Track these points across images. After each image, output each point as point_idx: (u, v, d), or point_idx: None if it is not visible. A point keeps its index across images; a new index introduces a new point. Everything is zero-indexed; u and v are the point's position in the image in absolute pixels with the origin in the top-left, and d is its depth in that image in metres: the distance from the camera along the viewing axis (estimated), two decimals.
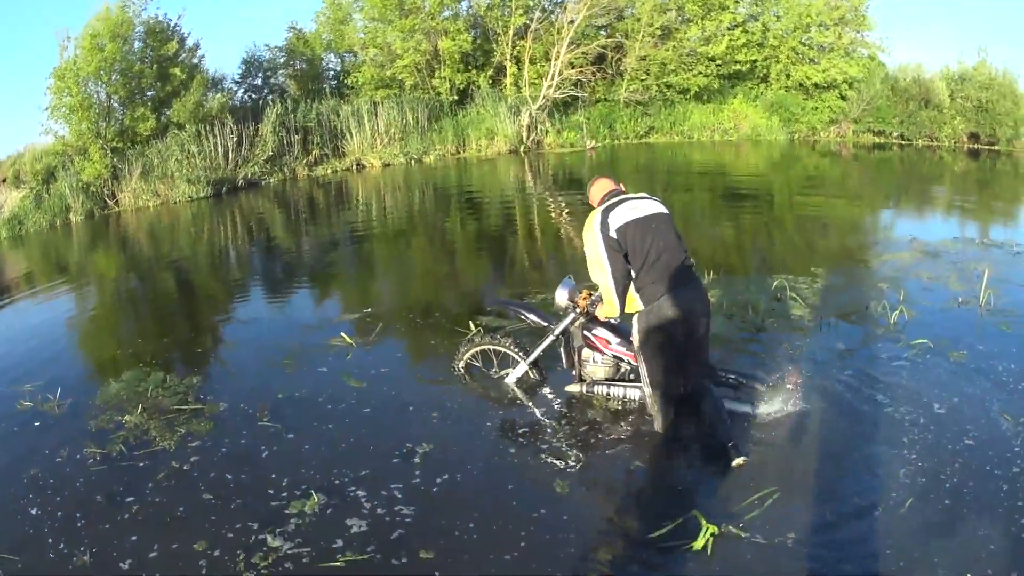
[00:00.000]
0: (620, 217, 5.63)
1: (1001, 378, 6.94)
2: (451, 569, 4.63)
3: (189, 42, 26.52)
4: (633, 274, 5.63)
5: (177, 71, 24.88)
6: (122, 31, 23.52)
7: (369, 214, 18.08)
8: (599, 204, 5.89)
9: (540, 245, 14.15)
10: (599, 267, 5.62)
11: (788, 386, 6.28)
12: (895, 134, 33.90)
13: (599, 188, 6.03)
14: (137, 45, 24.75)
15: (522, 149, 29.23)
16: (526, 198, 18.90)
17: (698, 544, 4.67)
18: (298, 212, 19.27)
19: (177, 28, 26.03)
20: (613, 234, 5.56)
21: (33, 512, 5.43)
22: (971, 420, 6.16)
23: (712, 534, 4.70)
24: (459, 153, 29.07)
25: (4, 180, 25.91)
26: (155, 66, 24.51)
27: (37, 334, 10.43)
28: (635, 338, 5.80)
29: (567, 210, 16.97)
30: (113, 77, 23.48)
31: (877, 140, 34.01)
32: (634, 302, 5.69)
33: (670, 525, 4.88)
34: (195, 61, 26.74)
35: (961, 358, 7.42)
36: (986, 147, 32.00)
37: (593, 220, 5.69)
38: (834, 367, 7.33)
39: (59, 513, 5.39)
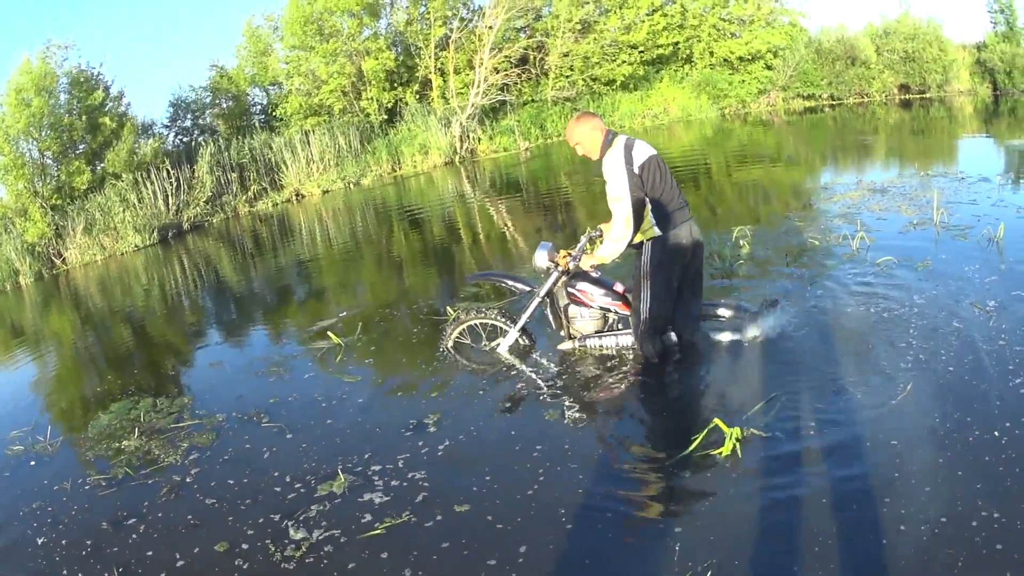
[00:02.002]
0: (641, 153, 5.87)
1: (966, 276, 7.51)
2: (489, 514, 4.70)
3: (114, 90, 26.19)
4: (649, 204, 5.89)
5: (107, 120, 24.50)
6: (46, 84, 23.14)
7: (318, 239, 18.01)
8: (604, 138, 5.96)
9: (489, 242, 14.27)
10: (621, 198, 5.78)
11: (770, 309, 6.58)
12: (825, 96, 34.48)
13: (594, 125, 6.01)
14: (63, 97, 24.35)
15: (457, 159, 29.20)
16: (467, 205, 18.96)
17: (726, 450, 4.86)
18: (245, 248, 19.13)
19: (101, 76, 25.71)
20: (636, 169, 5.79)
21: (41, 542, 5.31)
22: (950, 310, 6.68)
23: (737, 439, 4.89)
24: (395, 171, 28.94)
25: None
26: (84, 117, 24.13)
27: (11, 389, 10.26)
28: (646, 264, 5.99)
29: (508, 210, 17.11)
30: (43, 133, 23.10)
31: (808, 104, 34.59)
32: (650, 229, 5.93)
33: (698, 438, 5.02)
34: (123, 109, 26.41)
35: (926, 266, 7.95)
36: (917, 96, 32.75)
37: (616, 154, 5.83)
38: (810, 290, 7.76)
39: (76, 540, 5.28)
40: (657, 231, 5.93)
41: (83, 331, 13.50)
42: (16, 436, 7.60)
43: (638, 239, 6.00)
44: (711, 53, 34.98)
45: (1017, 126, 21.63)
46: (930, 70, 32.95)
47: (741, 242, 10.01)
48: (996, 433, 4.61)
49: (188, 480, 5.84)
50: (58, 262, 21.94)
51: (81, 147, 24.66)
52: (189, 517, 5.30)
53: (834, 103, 33.58)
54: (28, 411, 8.69)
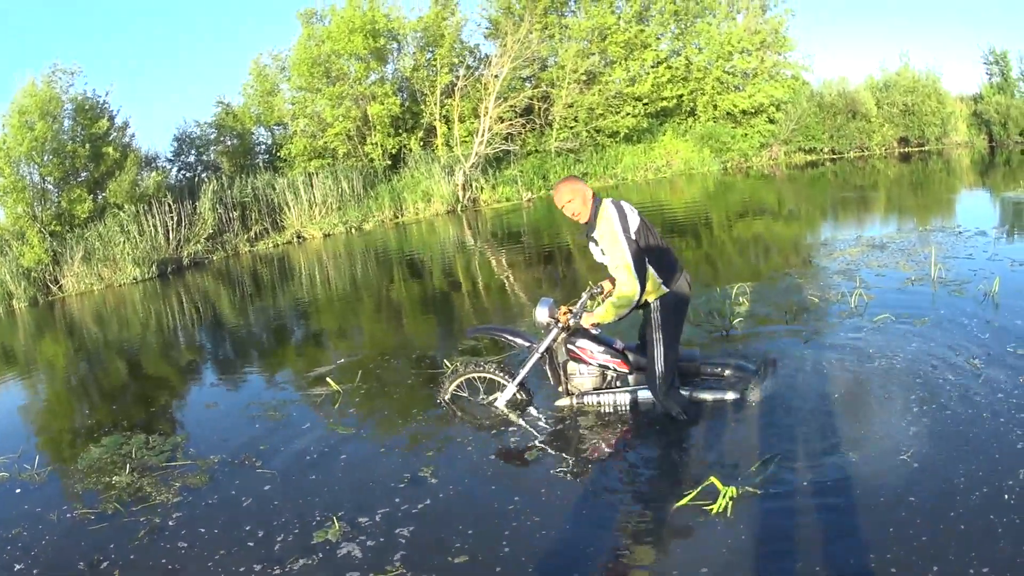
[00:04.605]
0: (633, 219, 6.00)
1: (963, 333, 7.69)
2: (478, 570, 4.68)
3: (119, 120, 26.25)
4: (650, 264, 6.00)
5: (110, 150, 24.50)
6: (51, 109, 23.15)
7: (318, 282, 18.02)
8: (592, 200, 6.08)
9: (489, 293, 14.28)
10: (621, 260, 5.86)
11: (769, 368, 6.60)
12: (826, 150, 34.73)
13: (581, 188, 6.10)
14: (67, 123, 24.37)
15: (459, 208, 29.28)
16: (468, 254, 18.98)
17: (718, 507, 4.85)
18: (245, 288, 19.11)
19: (106, 105, 25.77)
20: (632, 235, 5.92)
21: (16, 568, 5.28)
22: (948, 368, 6.79)
23: (730, 497, 4.88)
24: (397, 218, 29.01)
25: None
26: (87, 145, 24.13)
27: (7, 412, 10.24)
28: (657, 320, 6.10)
29: (508, 261, 17.14)
30: (45, 158, 23.10)
31: (809, 158, 34.87)
32: (657, 288, 6.05)
33: (691, 493, 5.02)
34: (126, 140, 26.45)
35: (924, 323, 8.11)
36: (916, 149, 33.08)
37: (612, 219, 5.91)
38: (809, 348, 7.80)
39: (66, 572, 5.23)
40: (664, 288, 6.06)
41: (76, 361, 13.46)
42: (2, 462, 7.55)
43: (645, 299, 6.09)
44: (715, 106, 35.31)
45: (1012, 177, 21.95)
46: (929, 123, 33.39)
47: (740, 299, 10.08)
48: (1004, 496, 4.62)
49: (171, 523, 5.75)
50: (54, 289, 21.89)
51: (83, 175, 24.66)
52: (166, 562, 5.23)
53: (835, 157, 33.87)
54: (15, 438, 8.65)
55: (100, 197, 24.77)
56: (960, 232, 13.31)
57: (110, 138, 25.35)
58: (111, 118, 25.67)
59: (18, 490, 6.83)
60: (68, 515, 6.13)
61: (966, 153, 30.24)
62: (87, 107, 24.91)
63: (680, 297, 6.18)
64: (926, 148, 32.97)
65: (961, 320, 8.07)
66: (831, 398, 6.49)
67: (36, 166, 23.21)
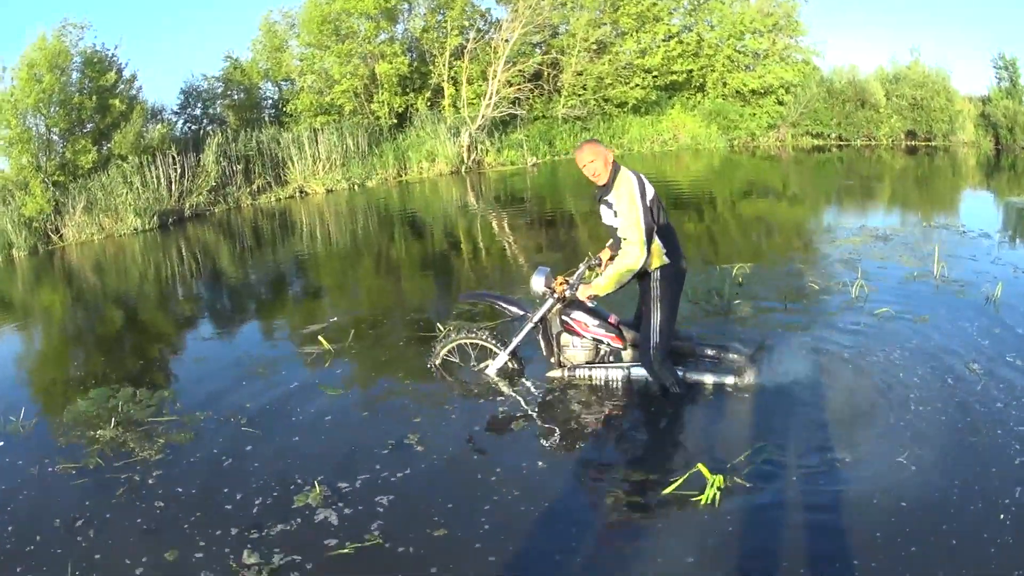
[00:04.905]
0: (648, 189, 6.12)
1: (963, 335, 7.56)
2: (459, 541, 4.67)
3: (127, 73, 26.08)
4: (657, 235, 6.12)
5: (117, 102, 24.35)
6: (60, 62, 23.00)
7: (318, 238, 17.94)
8: (609, 165, 6.15)
9: (488, 256, 14.20)
10: (635, 222, 5.95)
11: (764, 353, 6.62)
12: (833, 136, 34.46)
13: (603, 151, 6.18)
14: (75, 76, 24.23)
15: (463, 169, 29.09)
16: (470, 216, 18.87)
17: (705, 497, 4.78)
18: (245, 241, 19.03)
19: (115, 59, 25.59)
20: (648, 203, 6.04)
21: (9, 530, 5.20)
22: (946, 369, 6.71)
23: (718, 488, 4.81)
24: (401, 176, 28.83)
25: None
26: (94, 97, 23.98)
27: (2, 361, 10.16)
28: (656, 289, 6.18)
29: (510, 225, 17.04)
30: (52, 109, 22.98)
31: (816, 142, 34.57)
32: (659, 256, 6.13)
33: (678, 480, 4.98)
34: (133, 92, 26.29)
35: (924, 321, 8.00)
36: (923, 144, 32.86)
37: (631, 183, 6.05)
38: (806, 336, 7.71)
39: (26, 532, 5.14)
40: (666, 259, 6.14)
41: (72, 311, 13.39)
42: None
43: (645, 269, 6.13)
44: (724, 84, 35.02)
45: (1017, 182, 21.78)
46: (937, 119, 33.12)
47: (740, 279, 10.06)
48: (1000, 515, 4.53)
49: (151, 481, 5.68)
50: (55, 238, 21.80)
51: (89, 126, 24.49)
52: (141, 522, 5.18)
53: (842, 144, 33.62)
54: (3, 388, 8.59)
55: (105, 148, 24.60)
56: (964, 232, 13.15)
57: (117, 90, 25.16)
58: (119, 71, 25.46)
59: (1, 443, 6.75)
60: (49, 469, 6.06)
61: (972, 153, 30.15)
62: (95, 60, 24.73)
63: (680, 269, 6.27)
64: (933, 144, 32.81)
65: (962, 323, 7.94)
66: (827, 390, 6.41)
67: (43, 117, 23.08)
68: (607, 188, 6.13)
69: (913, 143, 33.49)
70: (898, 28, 69.24)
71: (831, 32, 71.84)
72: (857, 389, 6.41)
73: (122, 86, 25.43)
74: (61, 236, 21.84)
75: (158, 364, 9.26)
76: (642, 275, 6.19)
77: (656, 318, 6.19)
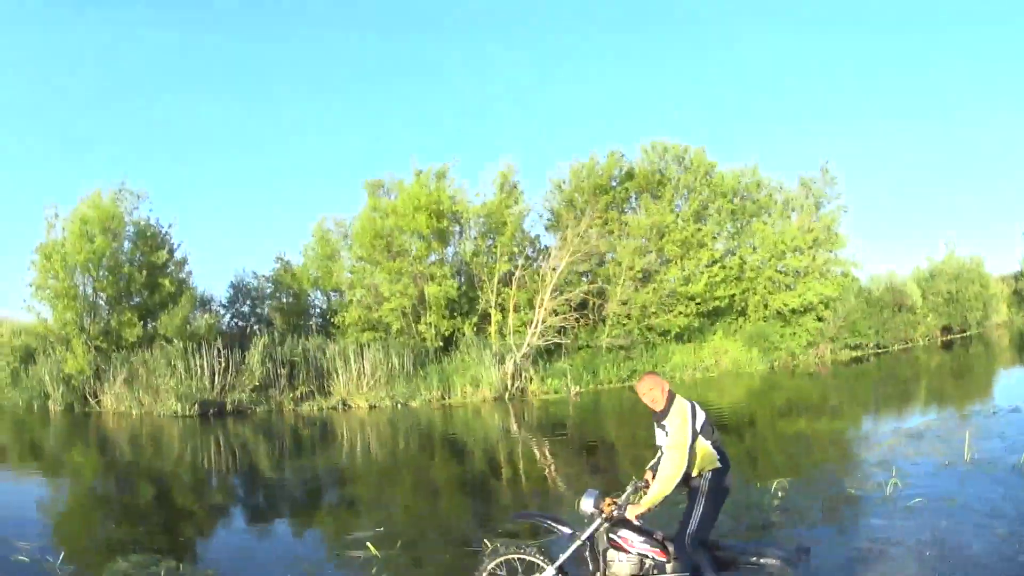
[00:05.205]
0: (700, 414, 6.83)
1: (989, 508, 8.19)
2: None
3: (178, 254, 26.78)
4: (710, 445, 6.82)
5: (167, 283, 24.95)
6: (113, 226, 23.70)
7: (358, 451, 17.91)
8: (666, 393, 6.91)
9: (528, 480, 14.13)
10: (683, 445, 6.59)
11: (802, 556, 6.87)
12: (871, 344, 34.64)
13: (661, 382, 6.98)
14: (127, 245, 24.89)
15: (507, 396, 29.02)
16: (511, 441, 18.83)
17: None
18: (285, 445, 19.01)
19: (168, 237, 26.33)
20: (697, 427, 6.73)
21: None
22: (974, 543, 7.16)
23: None
24: (444, 399, 28.75)
25: None
26: (144, 272, 24.56)
27: (21, 499, 10.20)
28: (706, 486, 6.74)
29: (551, 451, 16.92)
30: (101, 273, 23.49)
31: (854, 354, 34.84)
32: (712, 461, 6.80)
33: None
34: (183, 275, 26.92)
35: (952, 503, 8.53)
36: (958, 336, 33.30)
37: (686, 411, 6.76)
38: (845, 536, 8.06)
39: None
40: (718, 464, 6.79)
41: (105, 475, 13.41)
42: (25, 547, 7.58)
43: (698, 471, 6.74)
44: (765, 305, 35.45)
45: None
46: (971, 308, 33.94)
47: (779, 493, 10.22)
48: None
49: None
50: (92, 402, 21.91)
51: (136, 300, 25.03)
52: None
53: (880, 351, 33.83)
54: (37, 527, 8.75)
55: (150, 325, 25.07)
56: (995, 412, 14.27)
57: (168, 270, 25.88)
58: (171, 251, 26.25)
59: None
60: None
61: (1005, 333, 30.65)
62: (149, 234, 25.55)
63: (728, 478, 6.92)
64: (967, 333, 33.27)
65: (989, 495, 8.53)
66: None
67: (91, 278, 23.62)
68: (663, 414, 6.81)
69: (948, 337, 33.90)
70: (934, 217, 71.62)
71: (869, 235, 73.82)
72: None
73: (172, 267, 26.09)
74: (99, 401, 21.94)
75: (198, 544, 9.26)
76: (690, 480, 6.75)
77: (698, 510, 6.63)
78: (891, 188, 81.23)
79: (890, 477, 9.84)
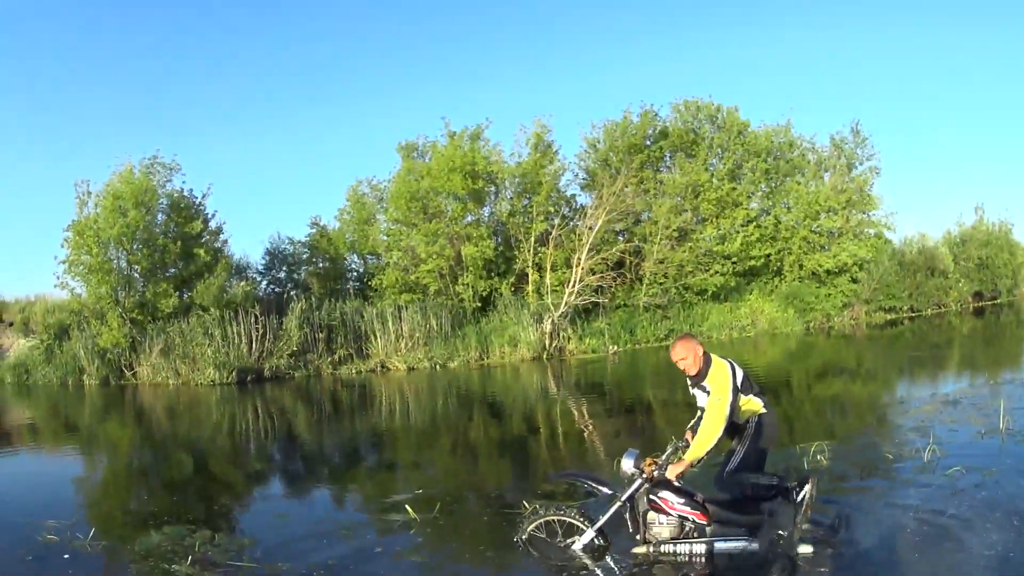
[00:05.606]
0: (739, 371, 6.93)
1: None
2: None
3: (213, 223, 26.87)
4: (753, 393, 6.98)
5: (202, 252, 25.03)
6: (146, 199, 23.78)
7: (397, 414, 18.02)
8: (700, 357, 6.93)
9: (567, 441, 14.09)
10: (726, 402, 6.68)
11: (842, 522, 6.92)
12: (905, 308, 34.58)
13: (696, 346, 6.98)
14: (160, 217, 25.01)
15: (545, 356, 29.09)
16: (549, 402, 18.88)
17: None
18: (324, 409, 19.18)
19: (202, 207, 26.42)
20: (738, 384, 6.83)
21: None
22: (1013, 516, 7.02)
23: None
24: (483, 359, 28.85)
25: (11, 324, 25.94)
26: (179, 243, 24.67)
27: (53, 479, 10.39)
28: (751, 431, 6.88)
29: (589, 411, 16.94)
30: (135, 246, 23.65)
31: (888, 317, 34.83)
32: (758, 407, 6.93)
33: None
34: (219, 244, 27.04)
35: (991, 475, 8.39)
36: (989, 303, 33.25)
37: (726, 371, 6.84)
38: (884, 502, 7.98)
39: None
40: (764, 409, 6.92)
41: (140, 447, 13.58)
42: (53, 525, 7.65)
43: (745, 416, 6.88)
44: (800, 265, 35.34)
45: None
46: (1001, 275, 33.64)
47: (818, 457, 10.17)
48: None
49: None
50: (127, 374, 22.14)
51: (171, 271, 25.20)
52: None
53: (913, 315, 33.73)
54: (68, 504, 8.87)
55: (186, 295, 25.26)
56: None
57: (203, 240, 25.97)
58: (205, 220, 26.33)
59: (67, 555, 6.88)
60: None
61: None
62: (182, 205, 25.63)
63: (774, 423, 7.02)
64: (999, 301, 33.06)
65: None
66: (903, 551, 6.50)
67: (125, 252, 23.78)
68: (701, 376, 6.87)
69: (980, 304, 33.75)
70: (965, 180, 70.61)
71: (901, 201, 73.11)
72: (931, 546, 6.54)
73: (207, 236, 26.15)
74: (135, 373, 22.18)
75: (235, 512, 9.32)
76: (737, 427, 6.86)
77: (741, 449, 6.83)
78: (922, 151, 79.62)
79: (928, 444, 9.78)
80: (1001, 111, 79.36)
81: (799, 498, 6.47)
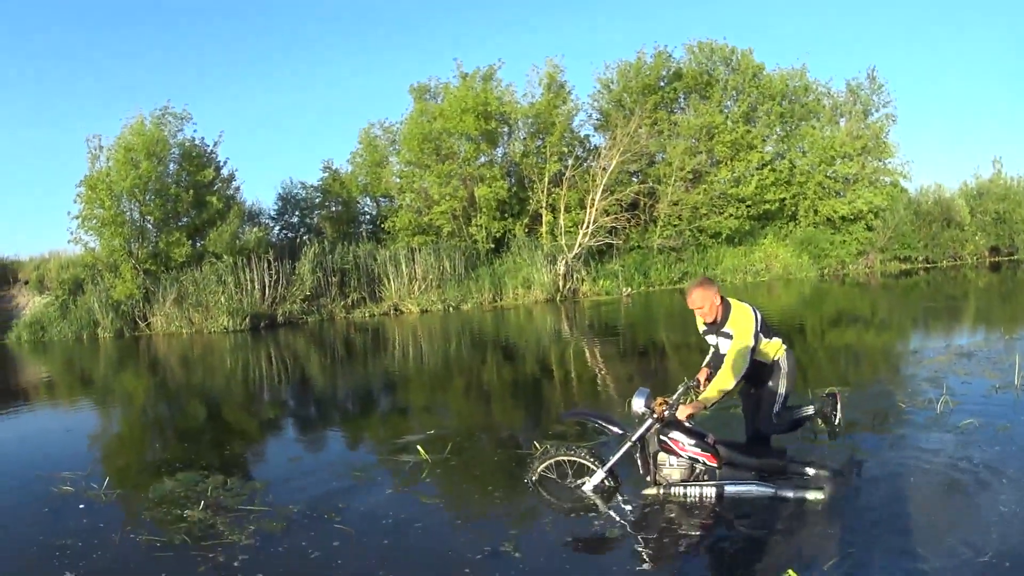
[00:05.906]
0: (759, 317, 6.85)
1: None
2: None
3: (225, 171, 26.86)
4: (772, 337, 6.98)
5: (214, 200, 25.06)
6: (157, 150, 23.79)
7: (411, 356, 18.11)
8: (718, 305, 6.86)
9: (580, 383, 14.09)
10: (747, 350, 6.65)
11: (853, 468, 7.02)
12: (920, 258, 34.45)
13: (708, 296, 6.85)
14: (172, 167, 25.02)
15: (558, 298, 29.14)
16: (563, 343, 18.93)
17: None
18: (337, 353, 19.26)
19: (213, 155, 26.39)
20: (759, 329, 6.79)
21: None
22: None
23: None
24: (496, 301, 28.95)
25: (27, 283, 26.07)
26: (191, 191, 24.68)
27: (68, 431, 10.46)
28: (783, 368, 6.97)
29: (602, 353, 16.98)
30: (147, 197, 23.69)
31: (903, 267, 34.71)
32: (780, 348, 7.00)
33: None
34: (231, 192, 27.04)
35: (1006, 429, 8.24)
36: (1006, 258, 33.04)
37: (749, 316, 6.78)
38: (894, 450, 7.87)
39: None
40: (785, 348, 7.01)
41: (155, 397, 13.66)
42: (68, 477, 7.73)
43: (771, 358, 6.93)
44: (815, 211, 35.20)
45: None
46: (1019, 230, 33.51)
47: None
48: None
49: (236, 564, 5.65)
50: (141, 325, 22.25)
51: (184, 220, 25.26)
52: None
53: (929, 266, 33.59)
54: (83, 457, 8.91)
55: (199, 244, 25.32)
56: None
57: (215, 188, 25.99)
58: (217, 168, 26.34)
59: (81, 505, 6.96)
60: (132, 537, 6.15)
61: None
62: (194, 154, 25.61)
63: (794, 364, 7.09)
64: (1015, 256, 32.79)
65: None
66: (912, 501, 6.40)
67: (137, 204, 23.82)
68: (721, 323, 6.81)
69: (996, 259, 33.55)
70: (983, 132, 69.77)
71: (917, 149, 72.44)
72: (941, 498, 6.45)
73: (219, 184, 26.19)
74: (149, 324, 22.33)
75: (248, 457, 9.39)
76: (762, 370, 6.89)
77: (782, 386, 6.91)
78: (938, 101, 78.43)
79: (941, 395, 9.67)
80: (1020, 62, 77.82)
81: (835, 419, 6.96)
